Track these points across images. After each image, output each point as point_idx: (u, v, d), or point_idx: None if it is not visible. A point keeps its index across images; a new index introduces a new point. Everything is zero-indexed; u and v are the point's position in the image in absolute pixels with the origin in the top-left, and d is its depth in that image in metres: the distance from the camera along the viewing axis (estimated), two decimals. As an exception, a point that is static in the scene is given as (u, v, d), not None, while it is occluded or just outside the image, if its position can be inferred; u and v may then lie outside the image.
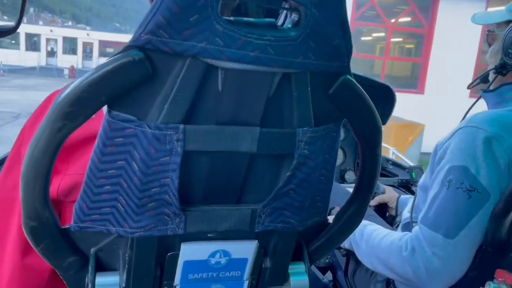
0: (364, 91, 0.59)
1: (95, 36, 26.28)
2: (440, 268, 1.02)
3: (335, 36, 0.53)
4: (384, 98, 1.34)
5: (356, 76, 0.59)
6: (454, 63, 7.88)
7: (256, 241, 0.63)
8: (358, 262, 1.35)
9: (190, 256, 0.61)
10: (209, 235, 0.60)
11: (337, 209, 1.47)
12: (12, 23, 0.95)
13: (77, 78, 0.48)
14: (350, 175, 2.19)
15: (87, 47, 26.95)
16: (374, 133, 0.63)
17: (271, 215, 0.62)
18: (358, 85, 0.58)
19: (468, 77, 7.58)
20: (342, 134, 2.17)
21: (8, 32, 0.95)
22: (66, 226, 0.57)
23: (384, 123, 1.20)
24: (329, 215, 0.76)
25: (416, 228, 1.08)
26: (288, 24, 0.52)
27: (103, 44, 26.92)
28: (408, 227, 1.25)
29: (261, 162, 0.60)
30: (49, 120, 0.48)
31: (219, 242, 0.61)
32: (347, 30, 0.53)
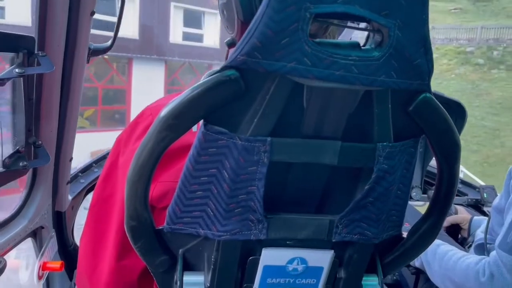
0: (443, 109, 0.60)
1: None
2: None
3: (417, 56, 0.55)
4: (456, 113, 1.31)
5: None
6: None
7: (332, 250, 0.66)
8: (428, 281, 1.32)
9: (269, 261, 0.64)
10: (288, 242, 0.63)
11: (406, 225, 1.44)
12: (108, 43, 1.06)
13: None
14: (416, 192, 2.12)
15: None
16: (453, 149, 0.63)
17: (348, 226, 0.64)
18: (438, 103, 0.59)
19: None
20: None
21: (104, 51, 1.06)
22: (160, 227, 0.63)
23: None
24: None
25: (493, 253, 1.04)
26: (371, 44, 0.55)
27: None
28: (481, 248, 1.21)
29: (340, 174, 0.63)
30: (154, 131, 0.55)
31: (297, 250, 0.64)
32: (429, 49, 0.55)
